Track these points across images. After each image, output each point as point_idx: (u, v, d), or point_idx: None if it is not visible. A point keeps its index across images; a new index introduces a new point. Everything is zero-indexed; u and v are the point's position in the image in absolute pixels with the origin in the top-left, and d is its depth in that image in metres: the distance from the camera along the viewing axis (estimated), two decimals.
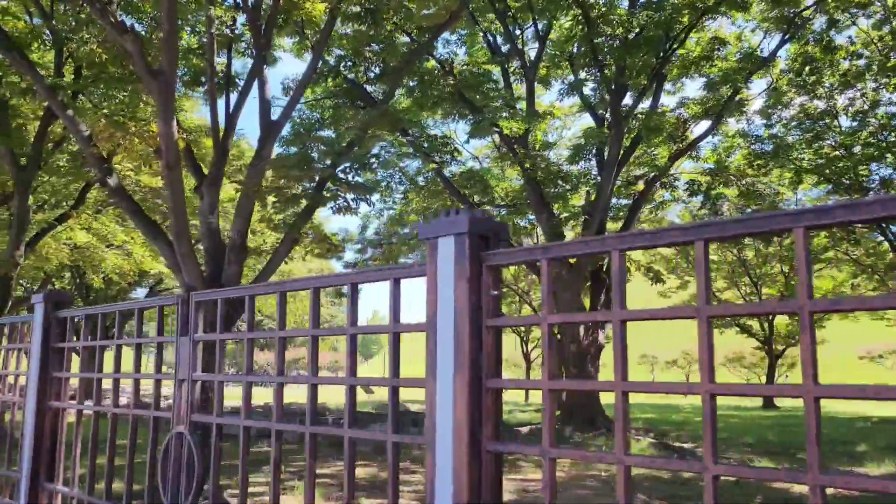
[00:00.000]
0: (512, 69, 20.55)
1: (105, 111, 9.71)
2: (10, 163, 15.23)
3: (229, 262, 9.49)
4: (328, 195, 9.73)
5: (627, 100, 19.83)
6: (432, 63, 19.83)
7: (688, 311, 1.52)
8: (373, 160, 10.29)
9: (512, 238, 22.87)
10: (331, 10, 9.83)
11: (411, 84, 18.54)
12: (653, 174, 21.59)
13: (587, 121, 21.65)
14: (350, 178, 9.93)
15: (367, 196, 10.28)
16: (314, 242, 10.13)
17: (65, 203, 22.61)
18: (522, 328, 36.59)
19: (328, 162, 9.64)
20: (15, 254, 15.65)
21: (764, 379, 38.80)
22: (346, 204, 9.81)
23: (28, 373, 3.25)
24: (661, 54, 18.59)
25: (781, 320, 32.32)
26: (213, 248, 9.68)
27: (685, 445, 15.94)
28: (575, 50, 20.61)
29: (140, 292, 37.68)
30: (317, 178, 9.82)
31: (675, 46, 18.49)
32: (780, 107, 23.17)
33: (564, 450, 1.64)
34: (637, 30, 18.11)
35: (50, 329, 3.21)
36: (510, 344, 47.74)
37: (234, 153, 19.57)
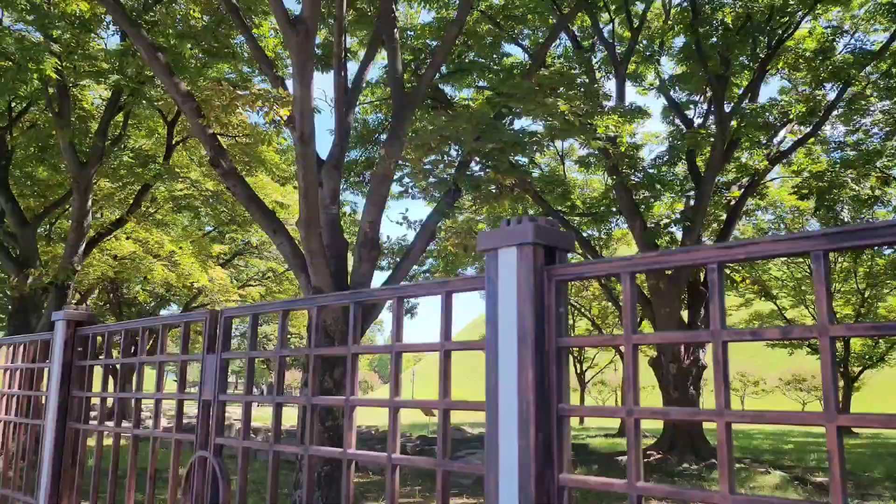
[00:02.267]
0: (597, 65, 18.99)
1: (213, 77, 8.23)
2: (71, 159, 13.75)
3: (360, 260, 7.89)
4: (483, 179, 8.12)
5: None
6: (512, 59, 18.32)
7: (805, 332, 1.35)
8: (525, 140, 8.71)
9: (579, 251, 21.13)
10: None
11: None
12: (747, 179, 19.92)
13: (652, 127, 20.11)
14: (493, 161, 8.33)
15: (527, 181, 8.62)
16: (454, 236, 8.52)
17: (100, 214, 21.16)
18: (576, 349, 34.74)
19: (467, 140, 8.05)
20: (73, 260, 14.13)
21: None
22: (496, 190, 8.17)
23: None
24: (772, 44, 17.05)
25: (857, 339, 30.39)
26: (336, 243, 8.09)
27: (822, 480, 14.05)
28: (658, 47, 19.13)
29: (163, 311, 36.14)
30: (457, 161, 8.25)
31: (785, 35, 16.92)
32: (864, 111, 21.48)
33: (656, 486, 1.34)
34: (743, 19, 16.60)
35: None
36: None
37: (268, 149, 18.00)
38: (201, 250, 24.19)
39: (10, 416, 3.40)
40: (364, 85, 8.67)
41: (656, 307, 17.54)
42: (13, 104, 15.00)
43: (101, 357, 2.99)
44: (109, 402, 17.54)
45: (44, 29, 12.54)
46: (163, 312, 34.18)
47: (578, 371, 34.66)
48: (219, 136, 9.15)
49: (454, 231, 8.44)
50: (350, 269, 8.26)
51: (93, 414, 2.70)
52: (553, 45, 19.11)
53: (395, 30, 8.65)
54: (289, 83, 8.51)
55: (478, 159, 8.37)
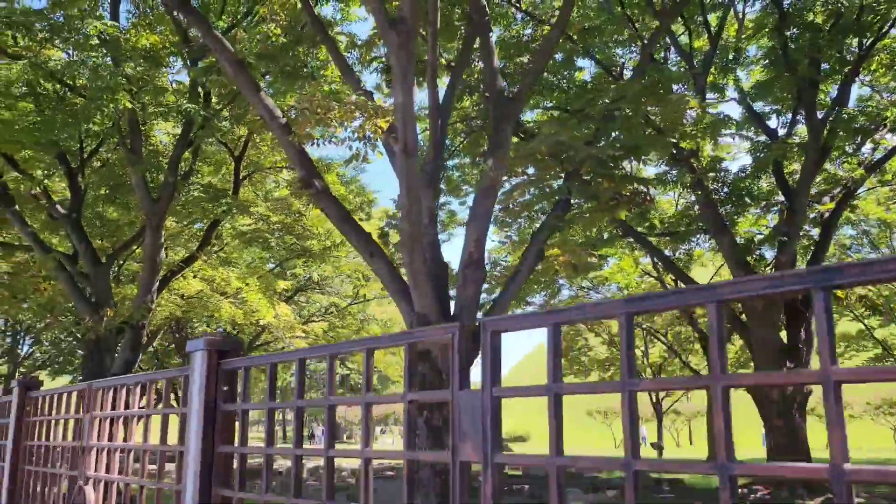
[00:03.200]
0: (675, 76, 18.09)
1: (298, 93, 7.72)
2: (144, 195, 13.45)
3: (464, 283, 7.17)
4: (600, 188, 7.33)
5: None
6: (581, 74, 17.63)
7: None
8: (644, 142, 7.94)
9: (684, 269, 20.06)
10: None
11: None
12: (840, 190, 18.62)
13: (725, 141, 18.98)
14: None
15: (646, 192, 7.83)
16: (566, 254, 7.75)
17: (165, 254, 20.98)
18: (650, 373, 33.25)
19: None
20: (146, 299, 13.76)
21: None
22: (615, 200, 7.36)
23: None
24: (865, 43, 15.95)
25: None
26: (437, 265, 7.39)
27: None
28: (735, 54, 18.16)
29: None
30: (563, 172, 7.53)
31: (881, 32, 15.80)
32: None
33: None
34: (834, 18, 15.59)
35: None
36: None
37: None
38: (268, 286, 23.86)
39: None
40: (454, 94, 8.04)
41: (754, 329, 16.35)
42: (84, 144, 14.88)
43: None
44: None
45: (116, 63, 12.35)
46: None
47: (654, 400, 33.10)
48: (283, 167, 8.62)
49: (565, 249, 7.69)
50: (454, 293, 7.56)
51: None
52: (624, 58, 18.34)
53: (491, 33, 8.01)
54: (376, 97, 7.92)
55: (586, 168, 7.61)
